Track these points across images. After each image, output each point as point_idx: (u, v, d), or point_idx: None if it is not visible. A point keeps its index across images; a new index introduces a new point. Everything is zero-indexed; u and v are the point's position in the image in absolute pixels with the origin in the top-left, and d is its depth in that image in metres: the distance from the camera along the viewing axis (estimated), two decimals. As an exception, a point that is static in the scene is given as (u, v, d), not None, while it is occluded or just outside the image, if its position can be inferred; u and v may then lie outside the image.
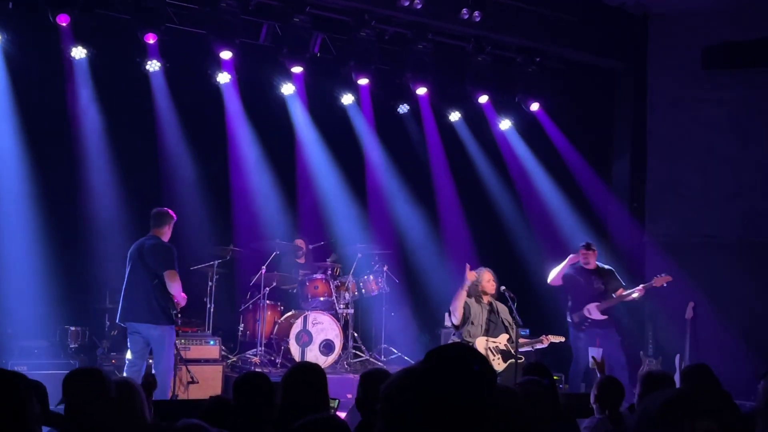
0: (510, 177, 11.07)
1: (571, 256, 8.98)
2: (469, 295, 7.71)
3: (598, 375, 5.45)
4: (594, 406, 4.64)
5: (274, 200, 10.43)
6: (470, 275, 7.53)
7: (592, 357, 5.88)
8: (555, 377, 8.54)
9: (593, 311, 8.81)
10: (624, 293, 8.80)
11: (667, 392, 1.93)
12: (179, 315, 7.31)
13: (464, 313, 7.58)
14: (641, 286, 8.78)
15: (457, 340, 7.69)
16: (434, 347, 2.18)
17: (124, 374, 6.89)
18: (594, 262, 8.96)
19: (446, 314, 9.93)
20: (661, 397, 1.90)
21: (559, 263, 9.08)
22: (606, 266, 9.06)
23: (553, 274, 8.97)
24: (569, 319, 8.95)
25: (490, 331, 7.65)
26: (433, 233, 11.12)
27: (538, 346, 7.83)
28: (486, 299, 7.77)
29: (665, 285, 8.77)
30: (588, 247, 8.92)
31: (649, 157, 10.74)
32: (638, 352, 9.68)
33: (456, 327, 7.65)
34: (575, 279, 8.96)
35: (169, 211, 7.34)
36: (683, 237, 10.33)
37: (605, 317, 8.81)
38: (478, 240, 10.93)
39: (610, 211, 10.81)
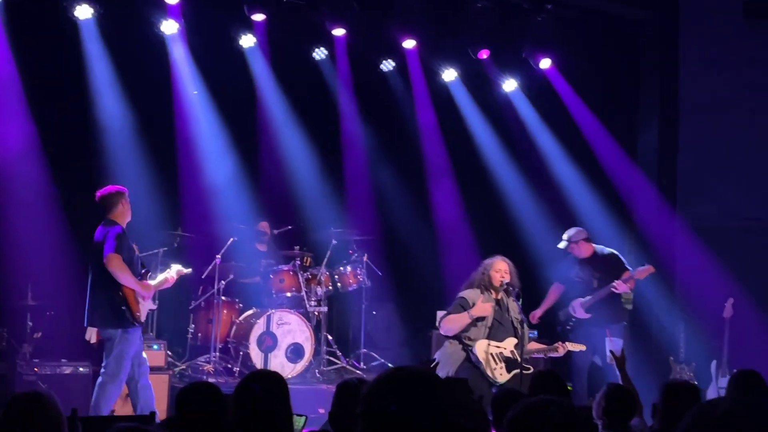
0: (515, 148, 11.10)
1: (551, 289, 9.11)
2: (476, 287, 7.70)
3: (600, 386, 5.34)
4: (599, 422, 4.56)
5: (230, 173, 10.46)
6: (482, 309, 7.45)
7: (610, 351, 5.79)
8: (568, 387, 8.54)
9: (578, 309, 8.84)
10: (605, 288, 8.73)
11: (710, 404, 1.91)
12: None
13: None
14: (623, 277, 8.66)
15: (452, 342, 7.60)
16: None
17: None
18: (587, 250, 8.89)
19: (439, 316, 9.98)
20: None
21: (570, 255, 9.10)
22: (607, 250, 9.02)
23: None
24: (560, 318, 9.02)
25: (493, 333, 7.60)
26: (423, 216, 11.15)
27: (553, 354, 7.81)
28: (496, 294, 7.73)
29: (649, 276, 8.79)
30: (569, 239, 8.86)
31: (682, 125, 10.75)
32: (667, 357, 9.73)
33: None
34: (569, 271, 9.00)
35: (116, 188, 7.24)
36: (722, 221, 10.32)
37: (589, 316, 8.75)
38: (477, 224, 11.00)
39: (634, 189, 10.81)
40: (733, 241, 10.13)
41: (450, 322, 7.54)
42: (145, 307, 7.21)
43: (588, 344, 8.29)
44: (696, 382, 8.49)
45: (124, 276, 6.97)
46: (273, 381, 3.97)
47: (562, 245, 8.92)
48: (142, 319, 7.18)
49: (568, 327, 8.84)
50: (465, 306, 7.57)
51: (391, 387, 2.32)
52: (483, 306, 7.49)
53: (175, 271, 7.35)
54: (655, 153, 10.86)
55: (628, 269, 8.84)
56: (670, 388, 4.54)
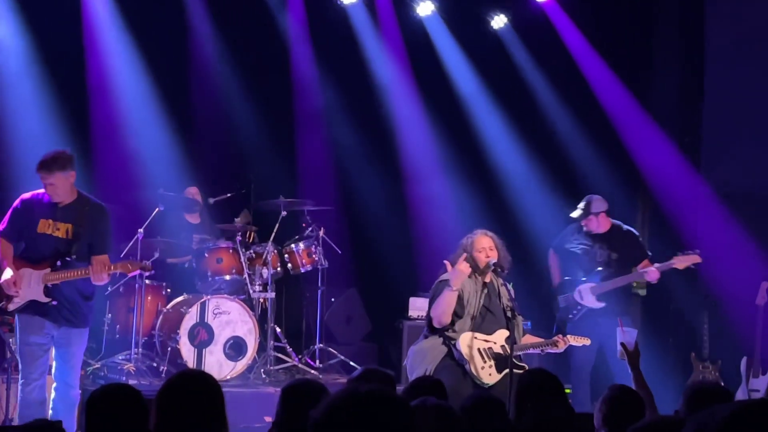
0: (504, 98, 11.16)
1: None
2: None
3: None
4: None
5: (156, 130, 10.45)
6: (461, 269, 7.37)
7: (621, 344, 5.72)
8: (567, 389, 8.55)
9: (586, 295, 8.82)
10: (631, 275, 8.80)
11: (733, 404, 1.99)
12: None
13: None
14: (655, 266, 8.71)
15: (431, 337, 7.57)
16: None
17: None
18: (605, 224, 8.93)
19: (412, 304, 9.95)
20: (724, 411, 1.96)
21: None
22: (625, 227, 9.06)
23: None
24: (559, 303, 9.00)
25: (480, 324, 7.52)
26: (392, 182, 11.22)
27: (551, 350, 7.77)
28: (483, 276, 7.65)
29: (693, 267, 8.76)
30: (587, 209, 8.86)
31: (707, 70, 10.78)
32: (688, 354, 9.79)
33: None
34: (567, 240, 9.05)
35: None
36: (755, 187, 10.33)
37: (602, 305, 8.77)
38: (459, 191, 11.09)
39: (649, 148, 10.86)
40: (769, 212, 10.23)
41: (439, 306, 7.43)
42: (27, 294, 7.11)
43: (594, 338, 8.22)
44: (723, 384, 8.52)
45: None
46: (203, 383, 3.95)
47: (576, 214, 8.92)
48: (9, 307, 7.13)
49: (570, 316, 8.84)
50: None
51: (346, 414, 2.38)
52: (461, 266, 7.38)
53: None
54: (674, 104, 10.91)
55: (647, 254, 8.92)
56: (695, 392, 4.54)
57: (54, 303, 7.14)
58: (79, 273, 7.15)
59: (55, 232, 7.16)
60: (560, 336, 7.74)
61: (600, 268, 8.85)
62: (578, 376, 8.82)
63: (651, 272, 8.62)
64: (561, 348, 7.69)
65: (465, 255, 7.49)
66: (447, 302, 7.42)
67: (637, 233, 9.12)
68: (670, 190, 10.68)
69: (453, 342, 7.39)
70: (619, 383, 5.10)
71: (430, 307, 7.57)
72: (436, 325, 7.45)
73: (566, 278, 9.02)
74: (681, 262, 8.63)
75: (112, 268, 7.15)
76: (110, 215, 7.32)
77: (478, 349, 7.40)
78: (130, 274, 8.20)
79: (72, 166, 7.08)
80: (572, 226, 9.05)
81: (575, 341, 7.82)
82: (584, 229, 8.92)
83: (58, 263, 7.18)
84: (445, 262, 7.53)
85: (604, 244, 8.89)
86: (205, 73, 10.75)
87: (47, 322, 7.11)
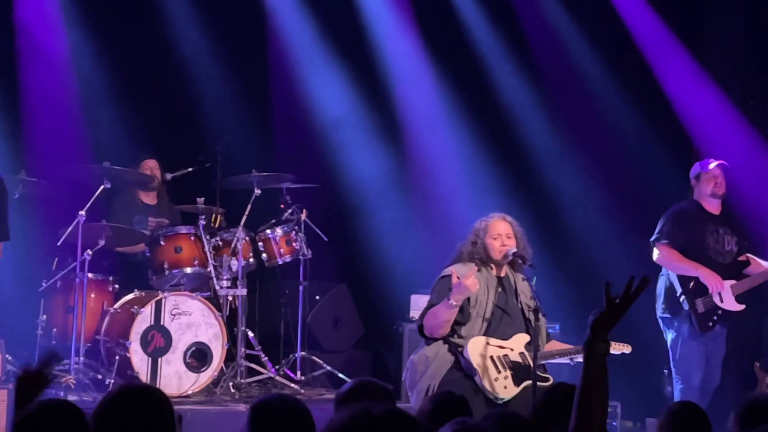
0: (531, 52, 11.19)
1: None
2: (467, 260, 7.69)
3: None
4: None
5: (102, 92, 10.47)
6: (468, 285, 7.37)
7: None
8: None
9: (727, 295, 8.87)
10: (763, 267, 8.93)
11: None
12: None
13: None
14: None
15: (435, 344, 7.60)
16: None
17: None
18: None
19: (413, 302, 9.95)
20: None
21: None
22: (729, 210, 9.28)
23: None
24: (684, 307, 8.94)
25: (495, 327, 7.57)
26: (391, 152, 11.25)
27: (581, 358, 7.67)
28: (498, 270, 7.70)
29: None
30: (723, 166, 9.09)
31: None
32: (750, 364, 9.77)
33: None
34: (693, 230, 9.03)
35: None
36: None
37: (743, 307, 8.92)
38: (474, 166, 11.09)
39: (706, 115, 10.83)
40: None
41: (434, 319, 7.48)
42: None
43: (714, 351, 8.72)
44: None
45: None
46: (148, 400, 3.93)
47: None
48: None
49: (710, 324, 8.87)
50: (450, 288, 7.50)
51: None
52: (469, 281, 7.38)
53: None
54: (737, 55, 10.93)
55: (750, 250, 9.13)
56: (749, 406, 4.59)
57: None
58: None
59: None
60: None
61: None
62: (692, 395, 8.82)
63: None
64: None
65: (476, 267, 7.54)
66: (443, 317, 7.47)
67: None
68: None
69: (460, 349, 7.37)
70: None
71: (425, 311, 7.55)
72: (427, 335, 7.50)
73: (680, 279, 9.06)
74: None
75: None
76: (5, 191, 7.30)
77: (492, 357, 7.44)
78: None
79: None
80: (679, 212, 9.15)
81: (613, 348, 7.80)
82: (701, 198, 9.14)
83: None
84: (452, 271, 7.55)
85: (723, 227, 9.07)
86: (162, 25, 10.79)
87: None
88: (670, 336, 8.99)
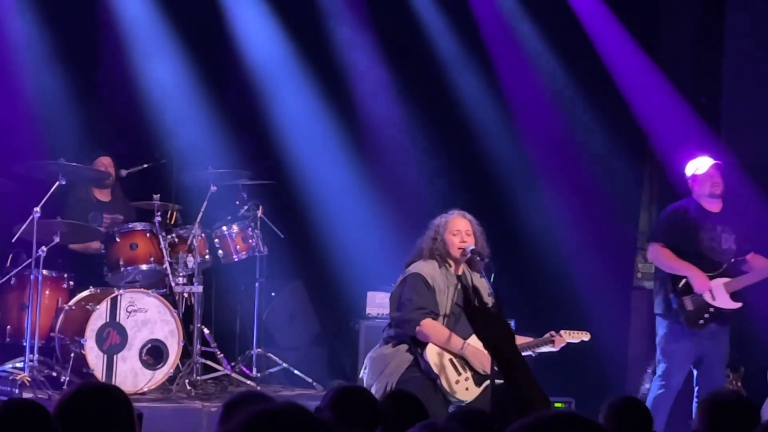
0: (487, 51, 11.17)
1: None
2: (428, 258, 7.69)
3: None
4: None
5: (56, 89, 10.41)
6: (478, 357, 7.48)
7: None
8: (557, 405, 8.56)
9: (719, 293, 8.86)
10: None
11: None
12: None
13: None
14: None
15: (393, 343, 7.59)
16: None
17: None
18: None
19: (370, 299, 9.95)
20: None
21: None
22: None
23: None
24: (672, 305, 8.98)
25: (454, 326, 7.59)
26: (348, 150, 11.23)
27: (544, 349, 7.86)
28: (456, 267, 7.73)
29: None
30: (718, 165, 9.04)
31: (729, 10, 10.78)
32: None
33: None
34: (687, 229, 9.02)
35: None
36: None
37: (739, 305, 8.91)
38: (432, 164, 11.15)
39: (658, 109, 10.88)
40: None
41: (437, 338, 7.48)
42: None
43: (700, 350, 8.72)
44: (745, 395, 8.56)
45: None
46: (108, 399, 3.92)
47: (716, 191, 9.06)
48: None
49: (701, 322, 8.85)
50: (428, 288, 7.53)
51: None
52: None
53: None
54: (690, 53, 10.94)
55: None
56: (713, 403, 4.65)
57: None
58: None
59: None
60: (553, 332, 7.85)
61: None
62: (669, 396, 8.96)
63: None
64: (556, 347, 7.83)
65: (459, 257, 7.61)
66: (443, 343, 7.47)
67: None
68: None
69: (420, 351, 7.37)
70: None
71: (395, 307, 7.55)
72: (417, 336, 7.49)
73: (671, 277, 9.06)
74: None
75: None
76: None
77: (451, 359, 7.43)
78: None
79: None
80: (676, 211, 9.15)
81: (572, 337, 7.88)
82: (699, 196, 9.10)
83: None
84: (420, 269, 7.56)
85: (721, 225, 9.03)
86: (118, 22, 10.73)
87: None
88: (659, 333, 9.02)
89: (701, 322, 8.83)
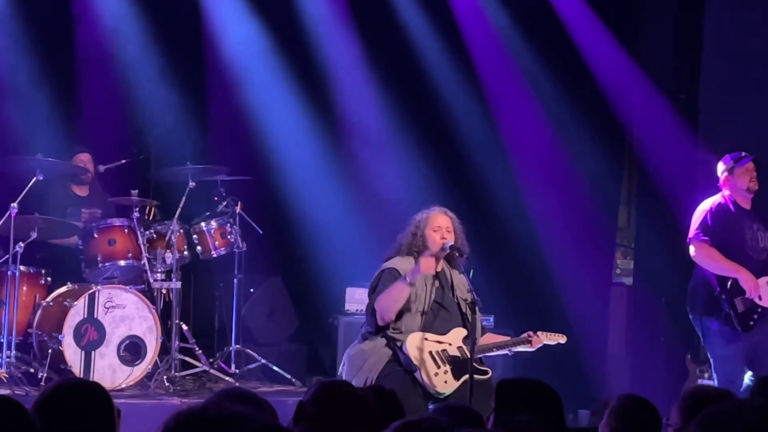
0: (466, 46, 11.16)
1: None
2: (406, 253, 7.70)
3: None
4: None
5: (34, 83, 10.39)
6: (426, 266, 7.46)
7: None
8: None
9: (765, 293, 8.76)
10: None
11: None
12: None
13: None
14: None
15: (372, 338, 7.61)
16: None
17: None
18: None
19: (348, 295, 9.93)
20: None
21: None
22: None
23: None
24: (724, 308, 8.77)
25: (432, 322, 7.61)
26: (327, 143, 11.22)
27: (521, 348, 7.88)
28: (435, 264, 7.71)
29: None
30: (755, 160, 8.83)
31: (708, 11, 10.81)
32: (683, 356, 9.97)
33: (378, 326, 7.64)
34: (733, 227, 8.83)
35: None
36: (763, 153, 10.31)
37: None
38: (411, 160, 11.11)
39: (638, 108, 10.97)
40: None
41: (388, 299, 7.49)
42: None
43: (753, 353, 8.58)
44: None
45: None
46: (88, 395, 3.91)
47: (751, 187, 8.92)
48: None
49: (750, 323, 8.70)
50: (397, 278, 7.54)
51: None
52: (426, 261, 7.44)
53: None
54: (667, 51, 10.94)
55: None
56: (692, 398, 4.61)
57: None
58: None
59: None
60: (531, 332, 7.86)
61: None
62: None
63: None
64: (533, 347, 7.84)
65: (437, 251, 7.58)
66: (398, 296, 7.50)
67: None
68: (661, 157, 10.74)
69: (399, 344, 7.38)
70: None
71: (372, 300, 7.57)
72: (379, 321, 7.51)
73: (716, 277, 8.87)
74: None
75: None
76: None
77: (430, 353, 7.46)
78: None
79: None
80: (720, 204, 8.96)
81: (549, 338, 7.90)
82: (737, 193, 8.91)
83: None
84: (394, 264, 7.59)
85: (757, 224, 8.92)
86: (96, 17, 10.68)
87: None
88: (707, 337, 8.80)
89: (751, 323, 8.67)
